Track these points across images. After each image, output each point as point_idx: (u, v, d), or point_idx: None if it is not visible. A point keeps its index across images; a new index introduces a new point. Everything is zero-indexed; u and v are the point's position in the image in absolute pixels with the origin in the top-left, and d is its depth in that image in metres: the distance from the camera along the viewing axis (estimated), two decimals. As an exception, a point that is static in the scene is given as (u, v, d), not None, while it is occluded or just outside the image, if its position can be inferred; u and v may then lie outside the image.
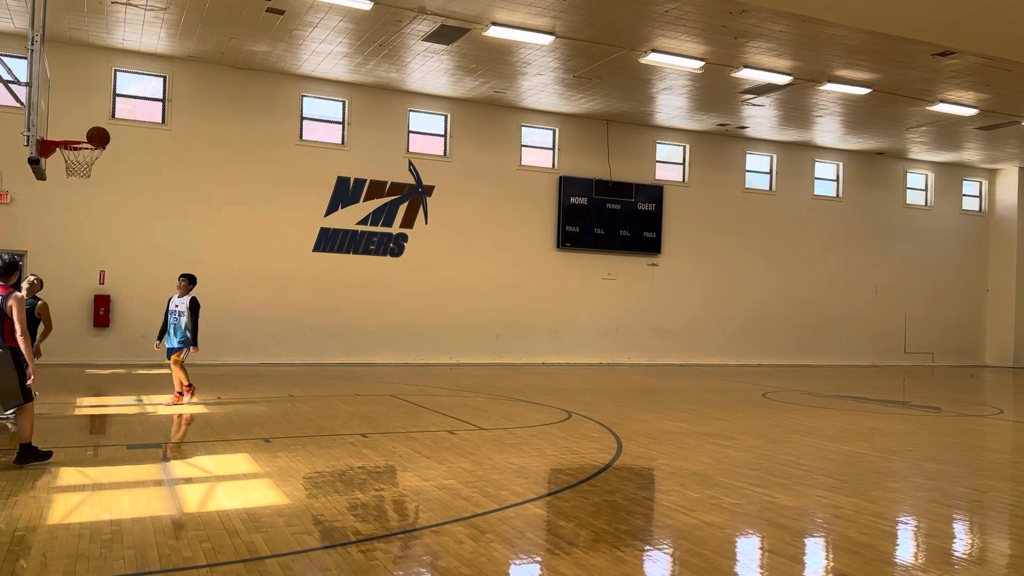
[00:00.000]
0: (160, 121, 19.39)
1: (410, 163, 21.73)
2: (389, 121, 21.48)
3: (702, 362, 25.07)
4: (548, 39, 16.75)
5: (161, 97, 19.42)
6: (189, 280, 11.91)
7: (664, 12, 15.43)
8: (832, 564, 5.49)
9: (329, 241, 20.89)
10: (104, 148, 10.97)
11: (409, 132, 21.80)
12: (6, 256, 8.00)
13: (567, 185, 23.36)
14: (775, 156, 26.58)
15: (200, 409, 11.64)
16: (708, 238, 25.48)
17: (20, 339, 7.62)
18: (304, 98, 20.68)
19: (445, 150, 22.29)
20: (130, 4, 15.84)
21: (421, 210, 21.85)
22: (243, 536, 5.52)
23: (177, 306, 11.77)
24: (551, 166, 23.53)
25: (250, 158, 20.01)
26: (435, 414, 11.78)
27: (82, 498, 6.46)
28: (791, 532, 6.10)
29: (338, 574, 4.85)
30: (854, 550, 5.67)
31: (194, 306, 11.75)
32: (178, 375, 11.84)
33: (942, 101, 20.91)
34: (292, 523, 5.89)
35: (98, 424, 10.31)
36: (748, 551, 5.81)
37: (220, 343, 19.27)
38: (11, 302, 7.60)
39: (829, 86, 19.62)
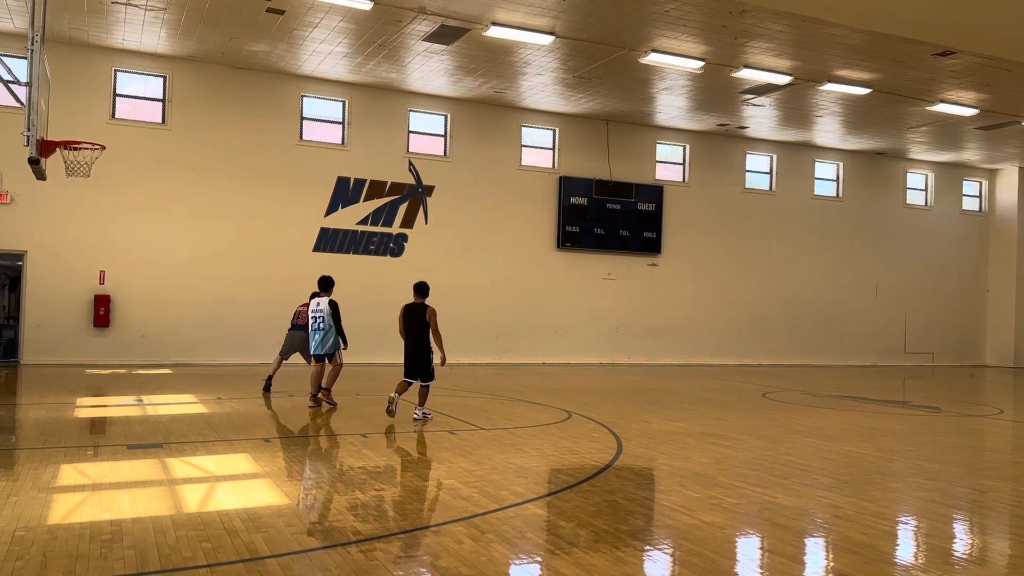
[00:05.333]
0: (160, 121, 19.38)
1: (410, 163, 21.73)
2: (389, 121, 21.47)
3: (702, 362, 25.06)
4: (548, 39, 16.74)
5: (161, 97, 19.41)
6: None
7: (664, 12, 15.43)
8: (832, 564, 5.48)
9: (329, 241, 20.88)
10: (104, 148, 10.96)
11: (409, 132, 21.79)
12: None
13: (567, 185, 23.35)
14: (775, 156, 26.56)
15: (200, 409, 11.64)
16: (708, 238, 25.46)
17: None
18: (304, 98, 20.67)
19: (445, 150, 22.28)
20: (130, 4, 15.84)
21: (421, 210, 21.84)
22: (243, 536, 5.51)
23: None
24: (551, 166, 23.52)
25: (250, 158, 20.00)
26: (435, 414, 11.78)
27: (82, 498, 6.46)
28: (791, 532, 6.10)
29: (338, 574, 4.84)
30: (854, 550, 5.67)
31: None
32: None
33: (942, 101, 20.90)
34: (292, 523, 5.88)
35: (98, 424, 10.31)
36: (748, 551, 5.80)
37: (220, 343, 19.32)
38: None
39: (829, 86, 19.62)
